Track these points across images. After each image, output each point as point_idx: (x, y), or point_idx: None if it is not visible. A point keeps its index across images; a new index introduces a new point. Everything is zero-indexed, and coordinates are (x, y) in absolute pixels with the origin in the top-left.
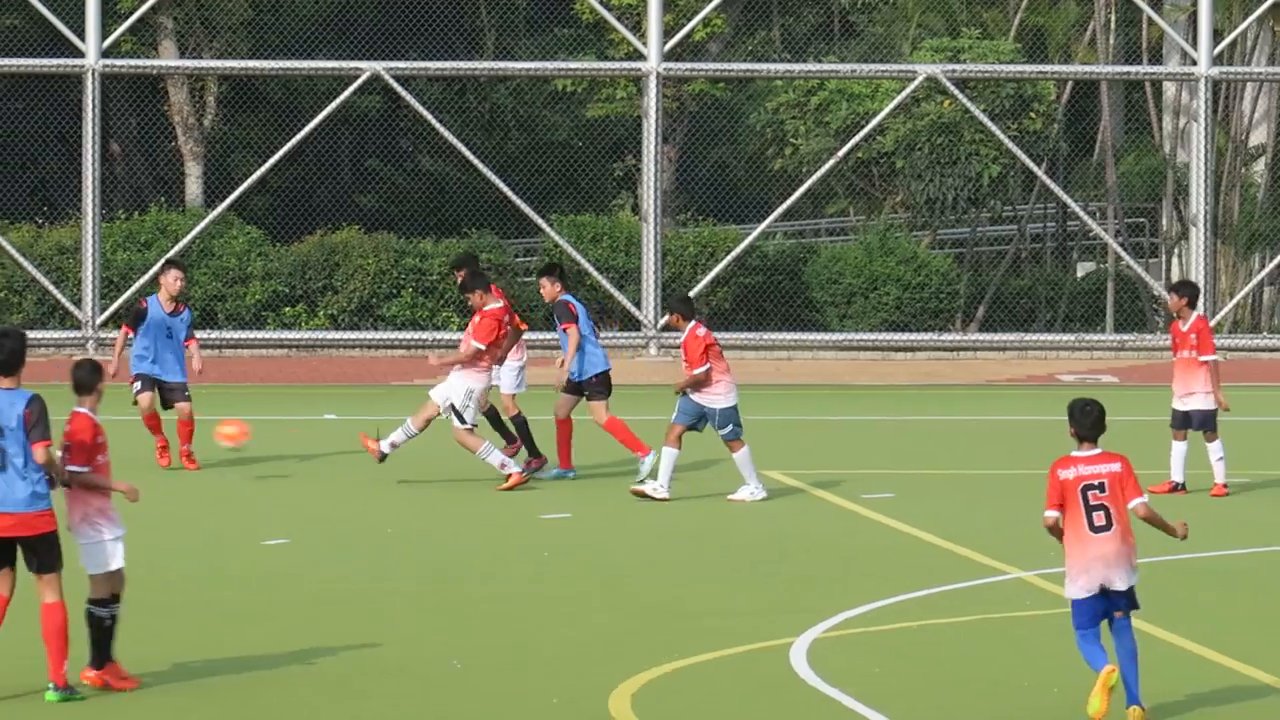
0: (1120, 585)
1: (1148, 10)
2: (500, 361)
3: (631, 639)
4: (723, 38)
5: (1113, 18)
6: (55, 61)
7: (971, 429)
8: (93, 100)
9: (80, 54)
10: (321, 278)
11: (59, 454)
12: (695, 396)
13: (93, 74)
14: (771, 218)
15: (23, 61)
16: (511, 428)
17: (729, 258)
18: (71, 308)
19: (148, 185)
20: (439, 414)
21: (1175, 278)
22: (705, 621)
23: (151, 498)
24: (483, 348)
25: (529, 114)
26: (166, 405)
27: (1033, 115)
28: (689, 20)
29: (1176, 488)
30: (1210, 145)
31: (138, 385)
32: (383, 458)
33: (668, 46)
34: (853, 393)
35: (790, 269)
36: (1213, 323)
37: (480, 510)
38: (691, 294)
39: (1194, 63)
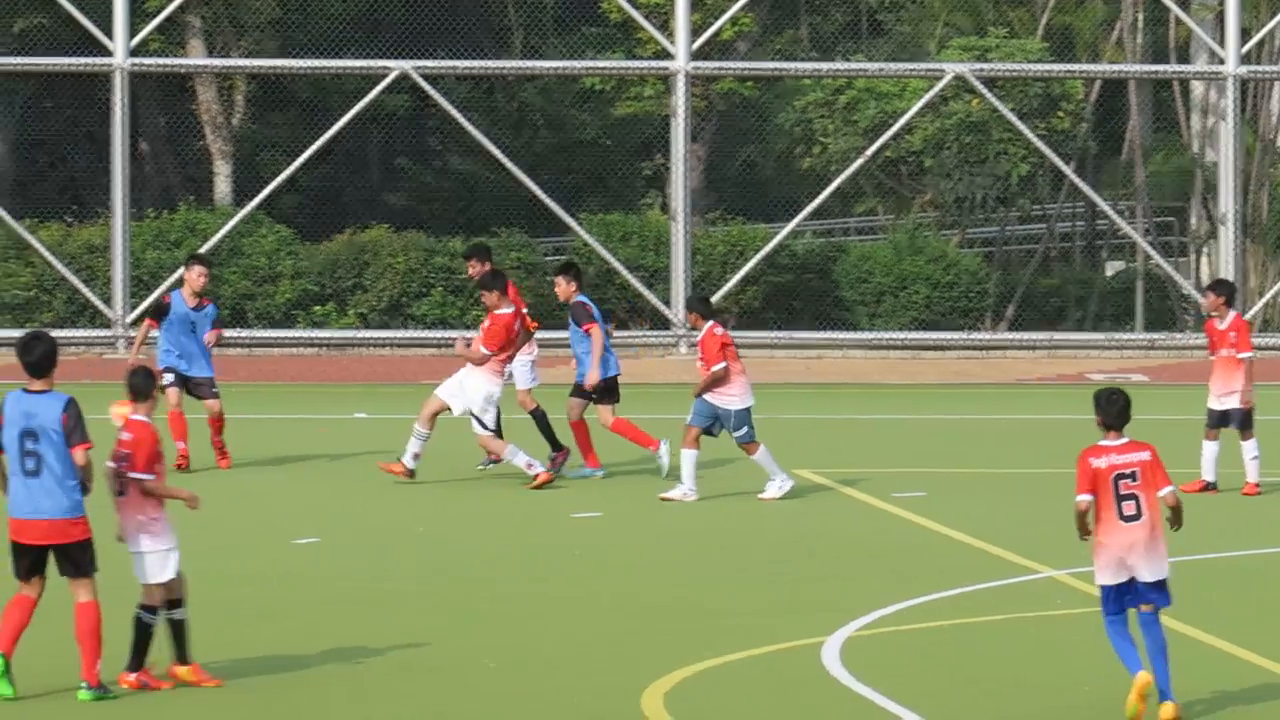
0: (1148, 576)
1: (1175, 9)
2: (510, 359)
3: (664, 637)
4: (750, 36)
5: (1140, 16)
6: (84, 60)
7: (1002, 428)
8: (121, 99)
9: (108, 53)
10: (351, 276)
11: (110, 464)
12: (710, 397)
13: (121, 73)
14: (800, 216)
15: (51, 60)
16: (547, 432)
17: (758, 256)
18: (101, 306)
19: (177, 184)
20: (444, 409)
21: (1205, 277)
22: (737, 620)
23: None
24: (490, 354)
25: (557, 113)
26: (195, 397)
27: (1061, 114)
28: (717, 19)
29: (1208, 487)
30: (1239, 144)
31: (169, 377)
32: (411, 473)
33: (695, 45)
34: (882, 392)
35: (820, 268)
36: None
37: (511, 509)
38: (721, 293)
39: (1222, 61)
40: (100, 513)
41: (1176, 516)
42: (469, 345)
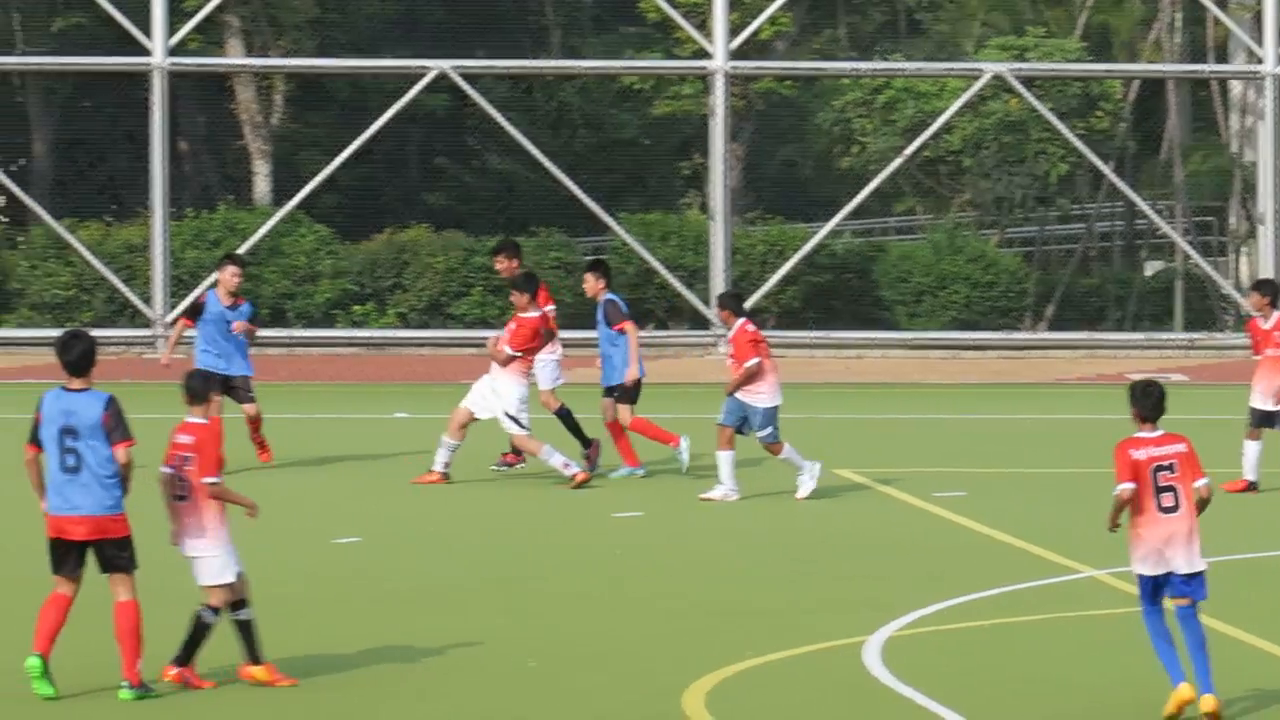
0: (1184, 568)
1: (1213, 8)
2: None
3: (704, 637)
4: (789, 36)
5: (1178, 16)
6: (122, 60)
7: (1042, 428)
8: (160, 99)
9: (147, 52)
10: (391, 276)
11: (165, 470)
12: (740, 395)
13: (160, 72)
14: (839, 216)
15: (90, 60)
16: (574, 429)
17: (797, 256)
18: (141, 305)
19: (216, 183)
20: (474, 417)
21: (1244, 276)
22: (778, 619)
23: None
24: (515, 355)
25: (596, 112)
26: (234, 399)
27: (1099, 114)
28: (755, 18)
29: (1251, 486)
30: (1277, 143)
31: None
32: (446, 477)
33: (734, 45)
34: (922, 392)
35: (859, 267)
36: None
37: (552, 509)
38: (760, 293)
39: (1260, 61)
40: (139, 513)
41: (1202, 508)
42: (495, 344)
